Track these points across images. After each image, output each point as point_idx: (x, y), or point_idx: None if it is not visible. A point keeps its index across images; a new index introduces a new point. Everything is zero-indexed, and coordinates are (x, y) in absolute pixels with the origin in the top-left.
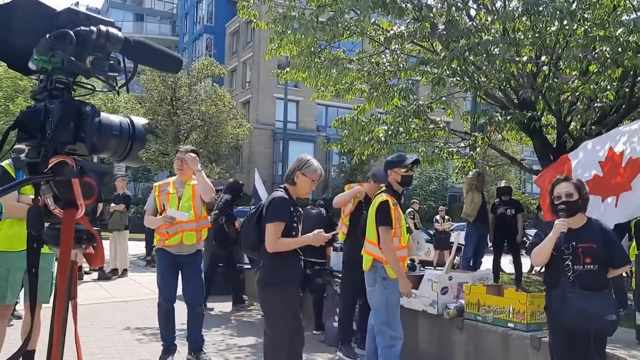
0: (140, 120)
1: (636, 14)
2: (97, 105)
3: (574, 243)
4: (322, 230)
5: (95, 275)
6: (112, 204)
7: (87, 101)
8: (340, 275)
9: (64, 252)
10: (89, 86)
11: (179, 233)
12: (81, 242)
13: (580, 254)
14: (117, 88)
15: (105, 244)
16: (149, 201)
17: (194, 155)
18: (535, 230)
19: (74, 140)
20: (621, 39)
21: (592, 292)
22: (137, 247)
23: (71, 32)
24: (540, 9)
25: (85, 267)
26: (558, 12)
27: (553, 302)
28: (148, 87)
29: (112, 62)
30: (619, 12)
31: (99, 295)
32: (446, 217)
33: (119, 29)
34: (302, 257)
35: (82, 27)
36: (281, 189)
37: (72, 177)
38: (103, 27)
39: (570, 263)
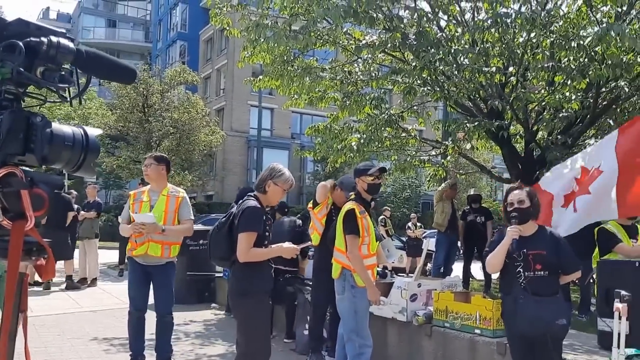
0: (94, 131)
1: (599, 27)
2: (67, 112)
3: (524, 250)
4: (290, 243)
5: (63, 285)
6: (82, 212)
7: (38, 112)
8: (311, 283)
9: (12, 264)
10: (41, 97)
11: (145, 243)
12: (31, 254)
13: (530, 260)
14: (68, 99)
15: (75, 252)
16: (124, 210)
17: (151, 222)
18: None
19: (23, 151)
20: (588, 50)
21: (543, 297)
22: (107, 256)
23: (20, 43)
24: (509, 20)
25: (58, 277)
26: (527, 25)
27: (506, 309)
28: (119, 94)
29: (63, 73)
30: (582, 25)
31: (67, 305)
32: (418, 224)
33: (72, 40)
34: (273, 266)
35: (32, 38)
36: (252, 198)
37: (20, 189)
38: (54, 38)
39: (521, 270)
